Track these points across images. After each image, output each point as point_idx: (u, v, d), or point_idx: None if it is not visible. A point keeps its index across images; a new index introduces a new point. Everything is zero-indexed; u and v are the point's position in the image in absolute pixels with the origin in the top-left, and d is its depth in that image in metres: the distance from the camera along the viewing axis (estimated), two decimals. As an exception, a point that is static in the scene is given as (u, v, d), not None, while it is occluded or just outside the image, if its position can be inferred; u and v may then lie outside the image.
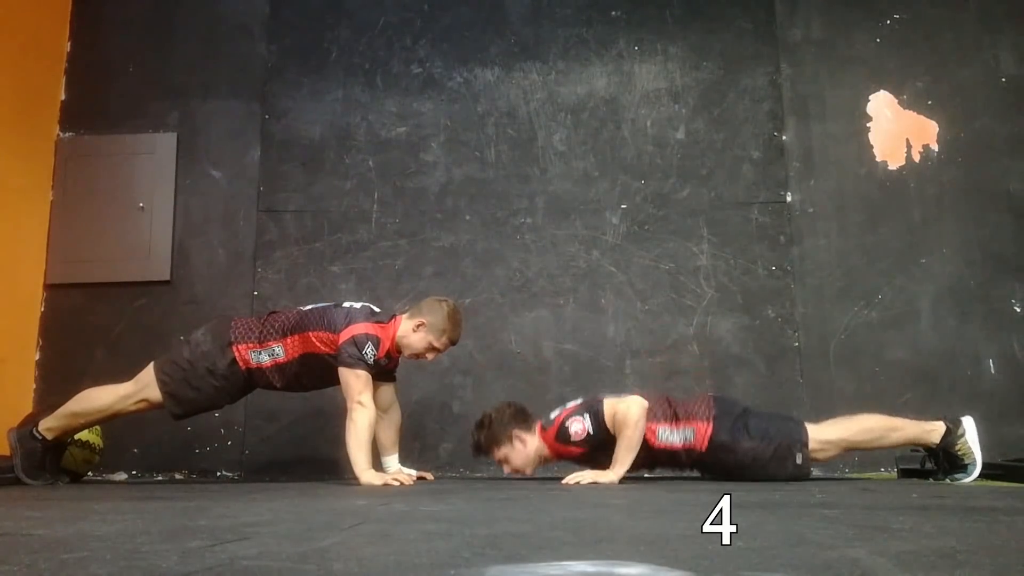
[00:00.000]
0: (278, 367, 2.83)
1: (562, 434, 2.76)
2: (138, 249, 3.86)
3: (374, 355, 2.72)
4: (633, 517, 1.48)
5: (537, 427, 2.87)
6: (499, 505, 1.76)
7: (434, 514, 1.50)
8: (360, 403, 2.68)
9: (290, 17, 4.07)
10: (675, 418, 2.75)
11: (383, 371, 2.91)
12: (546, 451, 2.85)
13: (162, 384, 2.77)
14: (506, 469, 2.91)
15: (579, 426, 2.73)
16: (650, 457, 2.78)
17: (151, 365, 2.83)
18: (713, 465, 2.79)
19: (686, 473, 2.93)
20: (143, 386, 2.79)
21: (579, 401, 2.86)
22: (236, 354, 2.80)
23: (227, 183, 3.94)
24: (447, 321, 2.84)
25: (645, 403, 2.69)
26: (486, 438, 2.86)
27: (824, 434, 2.74)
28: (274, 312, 2.96)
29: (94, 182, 3.91)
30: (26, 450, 2.75)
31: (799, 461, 2.69)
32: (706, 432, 2.71)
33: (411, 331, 2.85)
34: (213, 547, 1.01)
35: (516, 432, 2.83)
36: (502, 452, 2.85)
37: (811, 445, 2.70)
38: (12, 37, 3.70)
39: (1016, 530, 1.19)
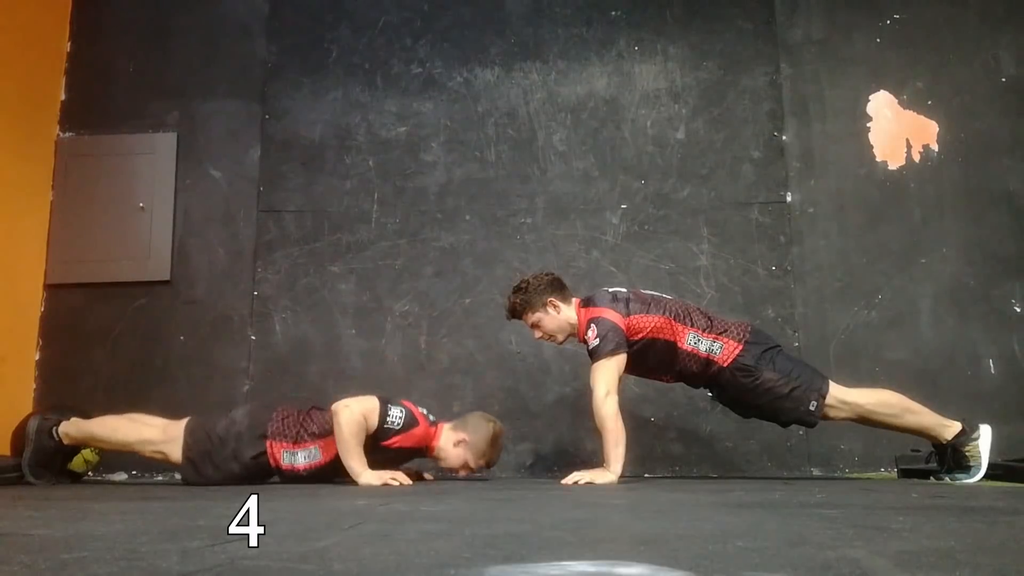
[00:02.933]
0: (311, 469, 2.77)
1: (588, 324, 2.80)
2: (138, 249, 3.85)
3: (396, 423, 2.69)
4: (633, 517, 1.48)
5: (575, 302, 2.92)
6: (499, 505, 1.76)
7: (434, 514, 1.50)
8: (345, 405, 2.66)
9: (290, 17, 4.07)
10: (709, 329, 2.80)
11: (386, 452, 2.79)
12: (579, 326, 2.87)
13: (186, 447, 2.73)
14: (536, 334, 2.96)
15: (591, 334, 2.76)
16: (673, 360, 2.81)
17: (185, 421, 2.79)
18: (728, 385, 2.80)
19: (699, 388, 2.97)
20: (168, 440, 2.76)
21: (618, 311, 2.79)
22: (269, 449, 2.76)
23: (227, 183, 3.94)
24: (488, 444, 2.84)
25: (616, 404, 2.69)
26: (521, 301, 2.90)
27: (844, 394, 2.75)
28: (316, 408, 2.87)
29: (94, 182, 3.91)
30: (39, 445, 2.75)
31: (812, 408, 2.72)
32: (734, 351, 2.76)
33: (451, 445, 2.83)
34: (213, 547, 1.01)
35: (552, 299, 2.87)
36: (535, 316, 2.89)
37: (828, 400, 2.72)
38: (12, 37, 3.70)
39: (1016, 530, 1.19)
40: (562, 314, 2.88)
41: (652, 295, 2.93)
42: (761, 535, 1.12)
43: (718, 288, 3.71)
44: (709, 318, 2.85)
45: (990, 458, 2.69)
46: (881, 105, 3.83)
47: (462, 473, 2.89)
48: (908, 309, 3.65)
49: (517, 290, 2.93)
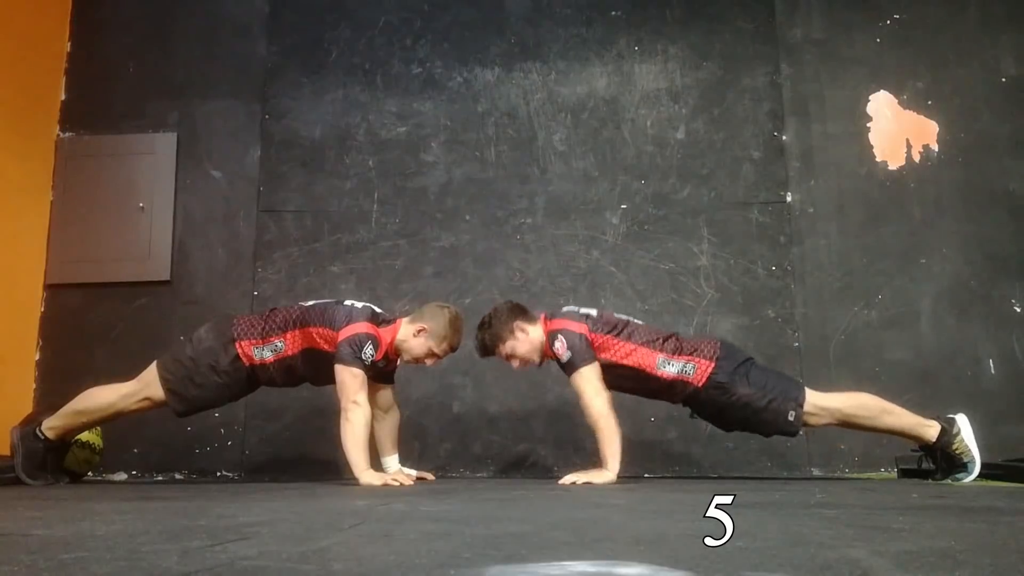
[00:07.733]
0: (279, 361, 2.82)
1: (551, 338, 2.79)
2: (138, 249, 3.86)
3: (372, 356, 2.70)
4: (633, 517, 1.48)
5: (541, 317, 2.89)
6: (499, 505, 1.76)
7: (434, 514, 1.50)
8: (355, 402, 2.66)
9: (290, 17, 4.07)
10: (678, 351, 2.78)
11: (381, 373, 2.90)
12: (544, 339, 2.85)
13: (164, 382, 2.76)
14: (515, 364, 2.91)
15: (560, 347, 2.74)
16: (646, 384, 2.81)
17: (154, 364, 2.82)
18: (705, 403, 2.81)
19: (677, 405, 2.94)
20: (145, 384, 2.79)
21: (583, 322, 2.79)
22: (239, 350, 2.79)
23: (227, 183, 3.94)
24: (448, 327, 2.81)
25: (605, 402, 2.69)
26: (490, 336, 2.86)
27: (821, 400, 2.76)
28: (275, 309, 2.95)
29: (94, 182, 3.91)
30: (27, 450, 2.75)
31: (791, 418, 2.72)
32: (707, 370, 2.75)
33: (411, 336, 2.82)
34: (213, 547, 1.01)
35: (518, 324, 2.85)
36: (507, 347, 2.86)
37: (806, 408, 2.72)
38: (12, 37, 3.70)
39: (1016, 530, 1.19)
40: (531, 335, 2.85)
41: (621, 319, 2.90)
42: (761, 535, 1.12)
43: (718, 288, 3.71)
44: (678, 339, 2.83)
45: (984, 454, 2.70)
46: (881, 105, 3.84)
47: (428, 362, 2.88)
48: (908, 309, 3.65)
49: (481, 327, 2.90)
